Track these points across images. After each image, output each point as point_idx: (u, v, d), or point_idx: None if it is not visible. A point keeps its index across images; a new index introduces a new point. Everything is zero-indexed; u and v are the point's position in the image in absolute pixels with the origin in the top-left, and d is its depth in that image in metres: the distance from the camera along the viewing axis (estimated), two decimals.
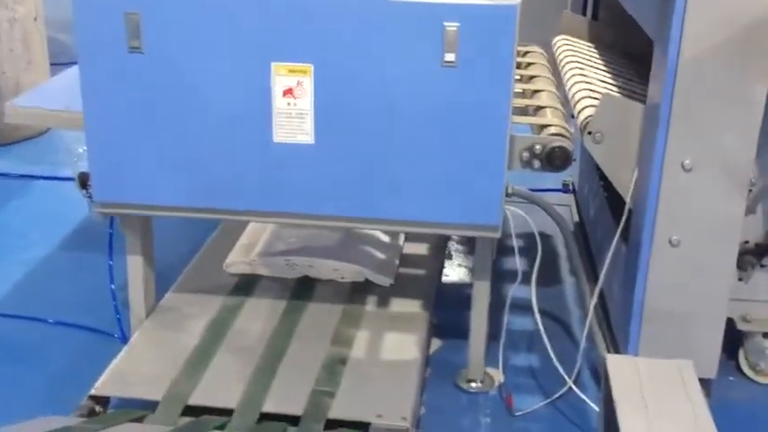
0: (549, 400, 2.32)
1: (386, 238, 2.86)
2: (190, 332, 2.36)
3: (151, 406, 2.08)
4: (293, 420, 2.03)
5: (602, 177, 2.61)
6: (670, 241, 2.17)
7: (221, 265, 2.72)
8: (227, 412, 2.05)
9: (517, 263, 2.24)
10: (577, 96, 2.42)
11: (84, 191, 2.28)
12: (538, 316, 2.26)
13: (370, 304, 2.56)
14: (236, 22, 1.98)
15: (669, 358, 1.99)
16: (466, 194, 2.06)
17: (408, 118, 2.00)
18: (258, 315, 2.48)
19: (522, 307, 2.44)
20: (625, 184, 2.28)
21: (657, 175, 2.13)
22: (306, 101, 2.01)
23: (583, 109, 2.34)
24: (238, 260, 2.72)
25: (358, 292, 2.62)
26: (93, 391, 2.10)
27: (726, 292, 2.23)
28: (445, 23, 1.92)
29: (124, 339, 2.47)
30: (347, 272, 2.66)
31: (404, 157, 2.04)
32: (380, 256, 2.75)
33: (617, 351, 2.35)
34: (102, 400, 2.09)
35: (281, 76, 2.00)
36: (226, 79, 2.02)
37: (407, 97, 1.99)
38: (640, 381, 1.81)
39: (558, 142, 2.22)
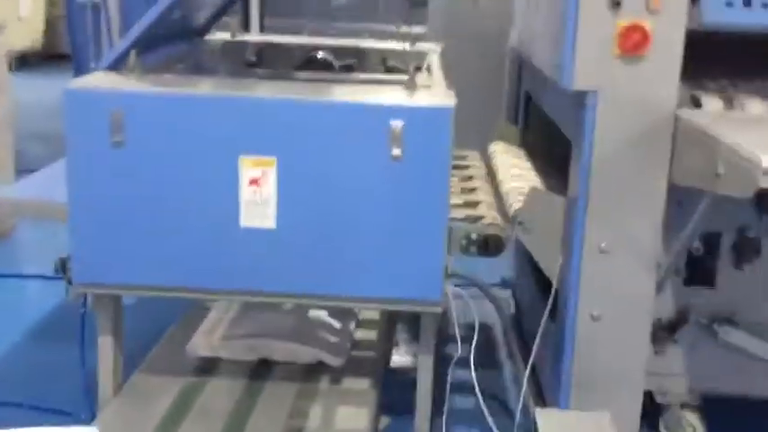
0: None
1: (337, 324, 3.09)
2: (154, 410, 2.53)
3: None
4: None
5: (534, 266, 2.90)
6: (591, 316, 2.45)
7: (184, 348, 2.91)
8: None
9: (458, 338, 2.49)
10: (509, 193, 2.74)
11: (63, 274, 2.49)
12: (479, 393, 2.48)
13: (324, 382, 2.76)
14: (207, 120, 2.26)
15: None
16: (411, 273, 2.32)
17: (360, 205, 2.28)
18: (220, 393, 2.66)
19: (464, 387, 2.67)
20: (552, 268, 2.57)
21: (578, 257, 2.42)
22: (269, 190, 2.28)
23: (513, 203, 2.65)
24: (201, 343, 2.92)
25: (313, 372, 2.83)
26: None
27: (642, 364, 2.50)
28: (391, 122, 2.23)
29: (92, 418, 2.62)
30: (302, 354, 2.87)
31: (356, 240, 2.30)
32: (333, 339, 2.97)
33: None
34: None
35: (248, 168, 2.27)
36: (198, 170, 2.28)
37: (359, 187, 2.27)
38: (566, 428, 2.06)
39: (491, 230, 2.52)
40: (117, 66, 2.51)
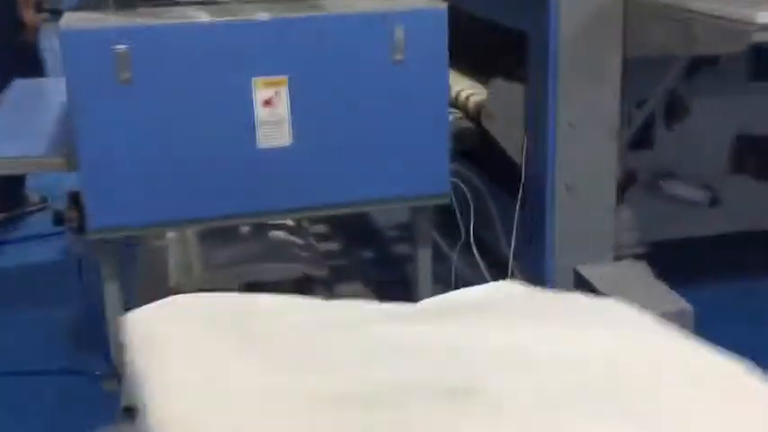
0: None
1: (300, 241, 3.19)
2: None
3: None
4: None
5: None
6: (566, 186, 2.73)
7: (165, 287, 2.91)
8: None
9: (460, 223, 2.69)
10: (465, 97, 2.94)
11: (63, 226, 2.43)
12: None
13: (319, 294, 2.88)
14: (217, 48, 2.27)
15: None
16: (420, 170, 2.48)
17: (368, 112, 2.40)
18: None
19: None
20: (516, 150, 2.82)
21: (552, 134, 2.68)
22: (283, 108, 2.34)
23: (472, 102, 2.86)
24: (183, 280, 2.93)
25: (302, 288, 2.93)
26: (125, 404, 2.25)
27: (611, 223, 2.83)
28: (394, 28, 2.35)
29: (112, 372, 2.58)
30: (288, 271, 2.97)
31: (366, 146, 2.42)
32: (306, 254, 3.08)
33: None
34: None
35: (261, 89, 2.32)
36: (211, 98, 2.29)
37: (366, 94, 2.39)
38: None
39: (463, 124, 2.73)
40: (81, 5, 2.43)
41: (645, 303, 1.29)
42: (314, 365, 1.09)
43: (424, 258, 2.72)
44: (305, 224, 3.35)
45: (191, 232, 3.15)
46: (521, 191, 2.81)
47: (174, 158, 2.32)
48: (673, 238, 3.03)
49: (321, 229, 3.48)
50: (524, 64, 2.80)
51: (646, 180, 2.99)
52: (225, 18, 2.32)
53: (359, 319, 1.25)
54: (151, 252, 3.16)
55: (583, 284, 2.45)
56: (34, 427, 2.42)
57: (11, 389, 2.61)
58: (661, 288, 2.52)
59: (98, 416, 2.37)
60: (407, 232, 3.55)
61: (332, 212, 2.52)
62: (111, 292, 2.53)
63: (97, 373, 2.66)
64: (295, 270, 2.96)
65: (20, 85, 3.42)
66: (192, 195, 2.36)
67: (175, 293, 2.81)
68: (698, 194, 3.00)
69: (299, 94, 2.34)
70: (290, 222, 3.25)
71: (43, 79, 3.81)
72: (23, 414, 2.51)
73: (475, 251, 2.73)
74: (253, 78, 2.31)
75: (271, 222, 3.15)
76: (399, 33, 2.34)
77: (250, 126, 2.34)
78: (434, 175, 2.49)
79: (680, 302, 2.45)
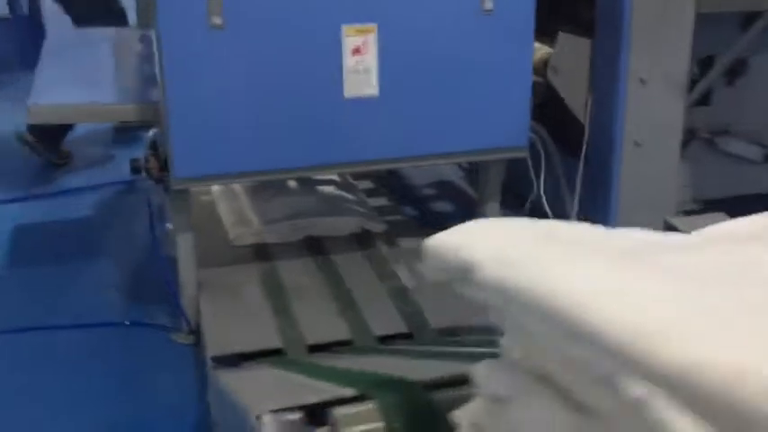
0: None
1: (352, 196, 3.17)
2: (251, 296, 2.53)
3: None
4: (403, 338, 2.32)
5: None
6: (635, 143, 2.73)
7: (221, 241, 2.87)
8: (346, 343, 2.28)
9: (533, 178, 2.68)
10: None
11: (140, 174, 2.38)
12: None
13: (382, 247, 2.86)
14: None
15: None
16: (504, 122, 2.47)
17: (455, 62, 2.37)
18: (298, 272, 2.68)
19: None
20: (581, 106, 2.81)
21: (624, 89, 2.67)
22: (371, 57, 2.30)
23: (538, 56, 2.84)
24: (244, 232, 2.89)
25: (362, 241, 2.91)
26: (212, 354, 2.22)
27: (675, 182, 2.84)
28: None
29: (187, 323, 2.55)
30: (345, 225, 2.94)
31: (453, 96, 2.40)
32: (360, 208, 3.05)
33: None
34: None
35: (350, 37, 2.27)
36: (299, 46, 2.25)
37: (454, 44, 2.36)
38: None
39: None
40: None
41: None
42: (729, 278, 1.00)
43: (494, 213, 2.71)
44: (351, 180, 3.33)
45: (240, 186, 3.12)
46: (585, 147, 2.80)
47: (261, 107, 2.28)
48: (727, 195, 3.05)
49: (368, 184, 3.45)
50: (591, 18, 2.78)
51: (703, 137, 2.99)
52: None
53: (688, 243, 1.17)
54: (199, 206, 3.11)
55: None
56: (102, 379, 2.38)
57: (77, 341, 2.56)
58: None
59: (168, 368, 2.35)
60: (445, 189, 3.56)
61: (415, 164, 2.49)
62: (185, 242, 2.49)
63: (167, 325, 2.62)
64: (352, 224, 2.94)
65: (57, 36, 3.33)
66: (277, 145, 2.32)
67: (235, 246, 2.85)
68: (752, 151, 3.02)
69: (386, 42, 2.30)
70: (336, 178, 3.22)
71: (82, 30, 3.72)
72: (91, 367, 2.47)
73: (546, 206, 2.73)
74: (343, 25, 2.26)
75: (318, 178, 3.12)
76: None
77: (338, 75, 2.29)
78: (516, 128, 2.48)
79: None
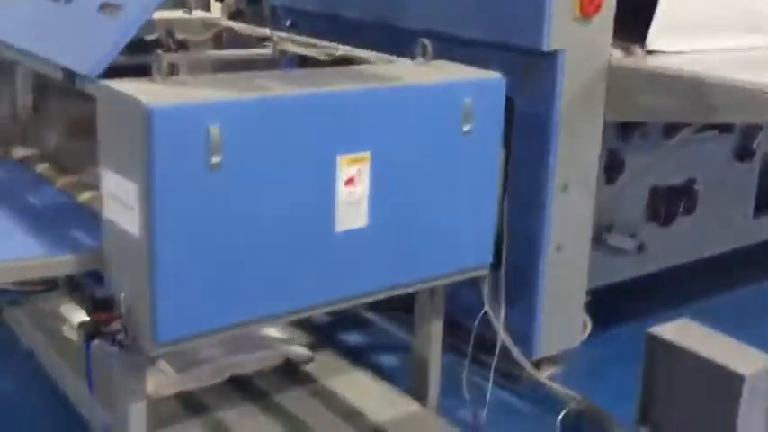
0: None
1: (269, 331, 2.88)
2: None
3: None
4: None
5: None
6: (558, 246, 2.81)
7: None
8: None
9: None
10: None
11: (96, 341, 1.98)
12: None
13: (321, 378, 2.64)
14: (306, 123, 2.00)
15: None
16: (474, 242, 2.39)
17: (437, 186, 2.26)
18: (239, 422, 2.39)
19: None
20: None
21: (550, 196, 2.74)
22: (363, 187, 2.13)
23: None
24: (161, 382, 2.52)
25: (290, 373, 2.67)
26: None
27: (586, 275, 2.95)
28: (463, 99, 2.25)
29: None
30: (271, 358, 2.69)
31: (435, 220, 2.28)
32: (283, 336, 2.81)
33: None
34: None
35: (346, 167, 2.09)
36: (294, 181, 2.01)
37: (436, 167, 2.25)
38: None
39: None
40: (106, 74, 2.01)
41: None
42: None
43: (437, 333, 2.62)
44: None
45: None
46: (504, 252, 2.82)
47: (256, 250, 2.00)
48: (612, 281, 3.23)
49: None
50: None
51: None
52: (319, 89, 2.05)
53: None
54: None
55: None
56: None
57: None
58: None
59: None
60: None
61: (401, 292, 2.32)
62: (139, 413, 2.10)
63: None
64: (277, 356, 2.71)
65: None
66: (270, 290, 2.06)
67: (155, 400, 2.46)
68: (628, 242, 3.23)
69: (377, 170, 2.14)
70: None
71: None
72: None
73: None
74: (338, 156, 2.07)
75: None
76: (468, 104, 2.25)
77: (331, 208, 2.09)
78: (483, 246, 2.43)
79: None
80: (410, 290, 2.35)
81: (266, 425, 2.38)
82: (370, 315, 3.42)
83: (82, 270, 2.05)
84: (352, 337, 3.28)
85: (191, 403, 2.47)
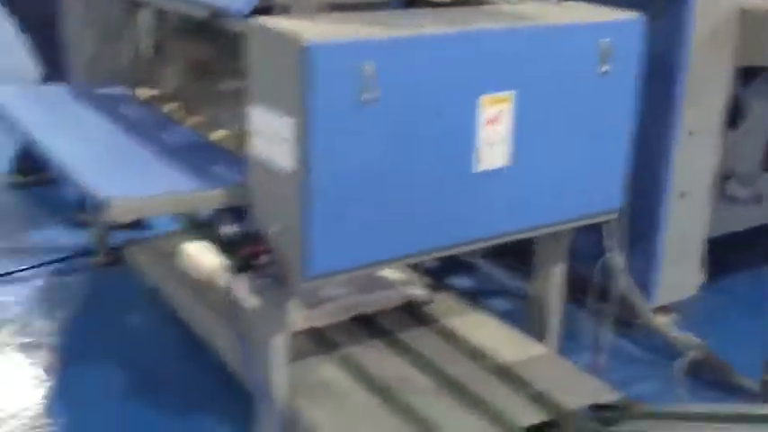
0: None
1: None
2: (357, 396, 2.27)
3: None
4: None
5: None
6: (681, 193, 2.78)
7: None
8: None
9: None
10: None
11: (248, 272, 2.04)
12: None
13: (443, 320, 2.67)
14: (453, 63, 2.01)
15: None
16: (606, 184, 2.38)
17: (573, 126, 2.25)
18: (378, 360, 2.44)
19: None
20: None
21: (677, 140, 2.70)
22: (503, 127, 2.13)
23: None
24: (294, 318, 2.57)
25: (413, 312, 2.70)
26: None
27: (706, 226, 2.90)
28: (600, 39, 2.22)
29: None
30: (393, 298, 2.72)
31: (570, 162, 2.28)
32: (402, 276, 2.84)
33: None
34: None
35: (487, 108, 2.09)
36: (439, 119, 2.02)
37: (573, 108, 2.24)
38: None
39: None
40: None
41: None
42: None
43: (559, 277, 2.62)
44: None
45: None
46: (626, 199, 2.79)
47: (401, 187, 2.02)
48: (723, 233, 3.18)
49: None
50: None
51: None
52: (468, 28, 2.05)
53: None
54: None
55: None
56: None
57: None
58: None
59: None
60: None
61: (535, 233, 2.33)
62: (281, 344, 2.16)
63: None
64: (400, 295, 2.73)
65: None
66: (412, 227, 2.08)
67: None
68: (746, 192, 3.17)
69: (518, 111, 2.14)
70: None
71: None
72: None
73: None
74: (481, 96, 2.07)
75: None
76: (606, 44, 2.22)
77: (471, 148, 2.10)
78: (615, 189, 2.41)
79: None
80: (542, 232, 2.35)
81: (394, 361, 2.41)
82: (476, 260, 3.43)
83: (229, 204, 2.09)
84: (461, 281, 3.30)
85: (319, 339, 2.51)
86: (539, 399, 2.25)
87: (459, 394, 2.26)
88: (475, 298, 2.99)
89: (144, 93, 2.99)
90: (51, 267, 3.28)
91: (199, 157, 2.36)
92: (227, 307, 2.20)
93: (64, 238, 3.54)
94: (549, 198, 2.28)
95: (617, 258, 2.63)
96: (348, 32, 1.91)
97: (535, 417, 2.18)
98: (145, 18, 3.07)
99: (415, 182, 2.04)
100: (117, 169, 2.20)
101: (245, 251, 2.02)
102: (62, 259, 3.31)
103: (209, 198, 2.08)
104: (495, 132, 2.12)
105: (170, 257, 3.00)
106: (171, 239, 3.13)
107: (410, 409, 2.19)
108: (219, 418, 2.44)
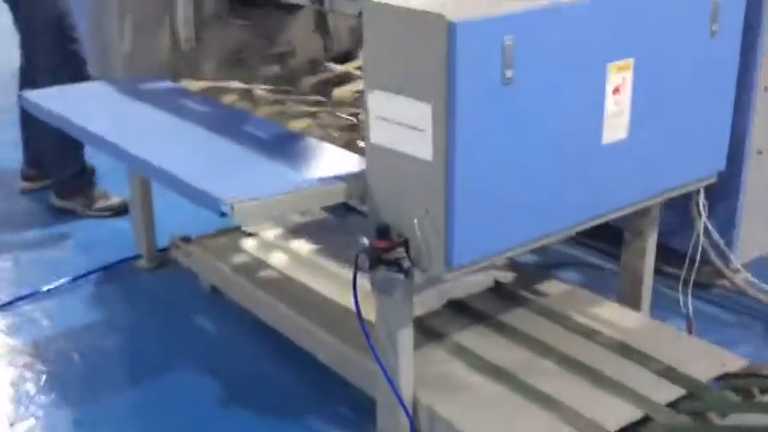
0: None
1: None
2: (481, 385, 2.18)
3: None
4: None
5: None
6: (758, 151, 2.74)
7: None
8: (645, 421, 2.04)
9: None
10: None
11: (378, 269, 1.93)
12: None
13: (539, 300, 2.59)
14: (584, 32, 1.91)
15: None
16: (713, 148, 2.33)
17: (688, 88, 2.18)
18: (489, 345, 2.36)
19: None
20: None
21: (755, 97, 2.66)
22: (626, 96, 2.04)
23: None
24: None
25: (501, 294, 2.62)
26: None
27: None
28: None
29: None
30: (482, 280, 2.64)
31: (684, 126, 2.21)
32: None
33: None
34: None
35: (614, 75, 2.00)
36: (573, 93, 1.94)
37: (688, 69, 2.17)
38: None
39: None
40: None
41: None
42: None
43: (651, 246, 2.56)
44: None
45: None
46: None
47: (538, 167, 1.93)
48: None
49: None
50: None
51: None
52: None
53: None
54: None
55: None
56: None
57: None
58: None
59: None
60: None
61: (648, 204, 2.26)
62: (407, 339, 2.06)
63: None
64: (488, 278, 2.65)
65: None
66: (548, 207, 2.00)
67: None
68: None
69: (638, 78, 2.06)
70: None
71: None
72: None
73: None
74: (608, 63, 1.98)
75: None
76: (716, 2, 2.15)
77: (599, 120, 2.01)
78: (720, 152, 2.36)
79: None
80: (657, 201, 2.28)
81: (507, 346, 2.33)
82: None
83: (349, 198, 1.97)
84: (529, 257, 3.23)
85: (422, 328, 2.41)
86: (668, 373, 2.19)
87: (587, 375, 2.19)
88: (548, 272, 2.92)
89: (192, 85, 2.83)
90: (95, 275, 3.11)
91: (292, 149, 2.24)
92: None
93: (98, 242, 3.37)
94: (665, 166, 2.22)
95: (701, 220, 2.57)
96: (487, 7, 1.79)
97: (672, 392, 2.12)
98: (184, 7, 2.90)
99: (552, 159, 1.96)
100: (223, 170, 2.06)
101: (379, 245, 1.90)
102: (106, 267, 3.15)
103: (331, 193, 1.96)
104: (619, 102, 2.03)
105: (230, 255, 2.88)
106: (220, 238, 3.01)
107: (545, 395, 2.11)
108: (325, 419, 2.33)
